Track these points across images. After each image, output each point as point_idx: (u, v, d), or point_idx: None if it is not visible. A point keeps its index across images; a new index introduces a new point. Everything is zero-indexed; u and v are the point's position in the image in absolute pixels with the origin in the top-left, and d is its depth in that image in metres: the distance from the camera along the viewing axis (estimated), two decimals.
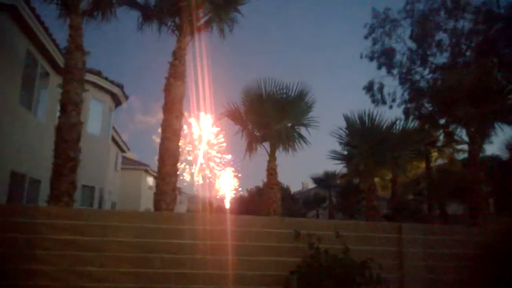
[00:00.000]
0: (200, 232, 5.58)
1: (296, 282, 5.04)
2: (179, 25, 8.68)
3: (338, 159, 9.45)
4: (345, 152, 9.47)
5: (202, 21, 9.35)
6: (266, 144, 8.84)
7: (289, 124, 8.76)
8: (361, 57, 22.53)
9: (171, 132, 7.71)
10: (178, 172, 7.79)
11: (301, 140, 8.78)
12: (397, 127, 9.27)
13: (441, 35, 19.77)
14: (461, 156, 15.51)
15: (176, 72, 8.09)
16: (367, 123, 8.64)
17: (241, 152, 9.00)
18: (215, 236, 5.60)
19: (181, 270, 5.44)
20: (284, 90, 8.48)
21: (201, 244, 5.54)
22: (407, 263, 5.68)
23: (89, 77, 13.15)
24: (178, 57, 8.26)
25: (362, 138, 8.67)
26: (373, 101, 21.96)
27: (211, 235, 5.61)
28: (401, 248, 5.72)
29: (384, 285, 4.89)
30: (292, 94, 8.48)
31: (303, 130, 9.02)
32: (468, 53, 18.94)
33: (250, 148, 8.85)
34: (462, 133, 12.05)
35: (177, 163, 7.76)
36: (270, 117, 8.42)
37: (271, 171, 8.18)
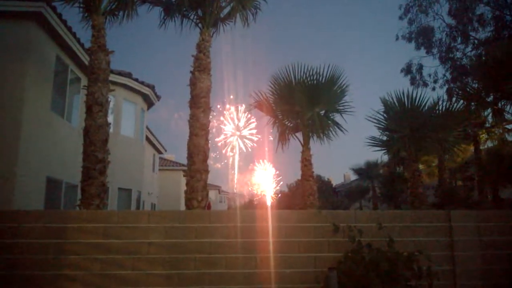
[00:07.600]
0: (233, 229, 5.36)
1: (336, 278, 4.70)
2: (202, 17, 8.43)
3: (377, 145, 8.88)
4: (384, 138, 8.90)
5: (225, 11, 9.08)
6: (299, 135, 8.44)
7: (322, 111, 8.29)
8: (397, 38, 21.54)
9: (198, 127, 7.47)
10: (208, 169, 7.54)
11: (336, 128, 8.30)
12: (440, 108, 8.64)
13: (482, 8, 18.51)
14: None
15: (201, 65, 7.84)
16: (406, 104, 8.04)
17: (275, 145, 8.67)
18: (249, 233, 5.36)
19: (215, 270, 5.25)
20: (315, 75, 7.99)
21: (234, 242, 5.32)
22: (458, 254, 5.20)
23: (119, 79, 13.30)
24: (202, 49, 8.00)
25: (402, 121, 8.09)
26: (412, 83, 20.91)
27: (245, 232, 5.37)
28: (452, 237, 5.26)
29: (435, 278, 4.46)
30: (323, 79, 7.97)
31: (338, 118, 8.53)
32: None
33: (283, 139, 8.47)
34: None
35: (207, 159, 7.51)
36: (301, 104, 7.98)
37: (305, 162, 7.75)
